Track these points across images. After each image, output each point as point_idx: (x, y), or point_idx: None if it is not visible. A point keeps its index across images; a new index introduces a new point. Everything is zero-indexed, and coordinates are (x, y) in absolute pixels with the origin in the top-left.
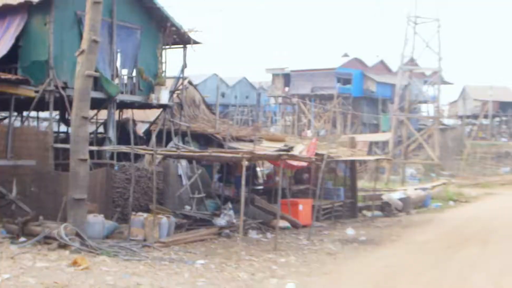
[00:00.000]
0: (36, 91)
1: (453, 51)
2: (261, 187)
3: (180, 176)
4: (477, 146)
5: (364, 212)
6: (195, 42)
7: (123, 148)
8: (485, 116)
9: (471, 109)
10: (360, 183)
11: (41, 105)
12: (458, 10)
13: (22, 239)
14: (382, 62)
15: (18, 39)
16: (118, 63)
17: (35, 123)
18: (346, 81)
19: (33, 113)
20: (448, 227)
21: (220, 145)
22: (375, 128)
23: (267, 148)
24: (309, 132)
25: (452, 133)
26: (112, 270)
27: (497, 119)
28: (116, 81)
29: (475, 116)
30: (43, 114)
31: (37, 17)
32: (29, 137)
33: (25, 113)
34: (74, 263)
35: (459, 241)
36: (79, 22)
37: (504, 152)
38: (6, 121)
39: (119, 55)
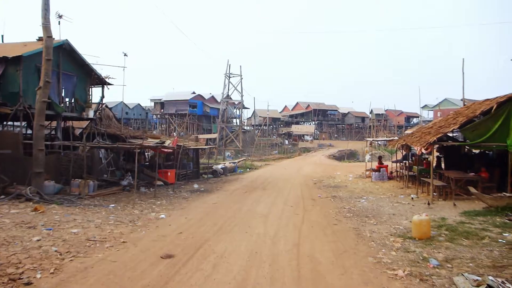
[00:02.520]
0: (12, 110)
1: (249, 91)
2: (147, 163)
3: (101, 158)
4: (261, 140)
5: (203, 175)
6: (109, 84)
7: (66, 143)
8: (265, 125)
9: (258, 121)
10: (201, 160)
11: (15, 118)
12: (254, 67)
13: (2, 196)
14: (213, 97)
15: (0, 79)
16: (63, 94)
17: (11, 128)
18: (194, 106)
19: (10, 123)
20: (246, 182)
21: (124, 141)
22: (210, 132)
23: (150, 142)
24: (175, 134)
25: (249, 134)
26: (59, 212)
27: (271, 127)
28: (62, 105)
29: (260, 125)
30: (16, 123)
31: (12, 66)
32: (7, 136)
33: (5, 123)
34: (35, 209)
35: (251, 189)
36: (38, 70)
37: (274, 143)
38: None
39: (63, 90)
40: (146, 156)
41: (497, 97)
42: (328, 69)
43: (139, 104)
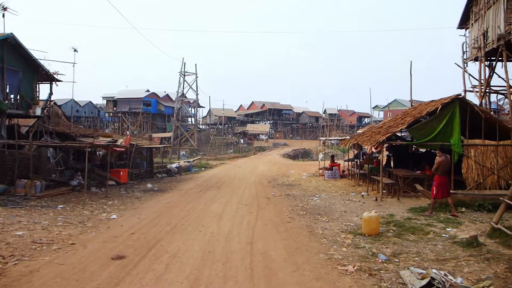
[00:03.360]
0: None
1: (204, 90)
2: (99, 162)
3: (49, 157)
4: (216, 139)
5: (157, 175)
6: (58, 80)
7: (11, 141)
8: (220, 124)
9: (214, 120)
10: (156, 159)
11: None
12: (210, 66)
13: None
14: (168, 95)
15: None
16: (7, 91)
17: None
18: (148, 105)
19: None
20: (200, 181)
21: (74, 139)
22: (164, 130)
23: (102, 141)
24: (128, 132)
25: (204, 133)
26: (2, 214)
27: (226, 126)
28: (6, 101)
29: (215, 124)
30: None
31: None
32: None
33: None
34: None
35: (206, 188)
36: None
37: (230, 142)
38: None
39: (7, 86)
40: (98, 155)
41: (441, 99)
42: (283, 69)
43: (90, 101)
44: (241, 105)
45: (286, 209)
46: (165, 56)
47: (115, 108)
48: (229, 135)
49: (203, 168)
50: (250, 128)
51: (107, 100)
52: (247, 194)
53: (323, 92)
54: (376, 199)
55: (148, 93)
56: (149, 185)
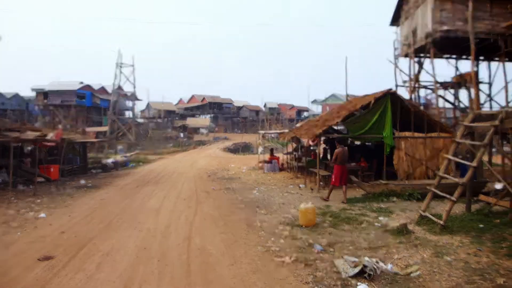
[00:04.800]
0: None
1: (143, 82)
2: (29, 159)
3: None
4: (155, 133)
5: (92, 170)
6: None
7: None
8: (160, 118)
9: (152, 114)
10: (91, 154)
11: None
12: (148, 58)
13: None
14: (103, 87)
15: None
16: None
17: None
18: (82, 97)
19: None
20: (138, 176)
21: None
22: (100, 124)
23: (30, 135)
24: (60, 126)
25: (142, 127)
26: None
27: (166, 119)
28: None
29: (154, 118)
30: None
31: None
32: None
33: None
34: None
35: (143, 183)
36: None
37: (169, 136)
38: None
39: None
40: (27, 151)
41: (375, 93)
42: (224, 63)
43: (17, 94)
44: (181, 99)
45: (226, 203)
46: (100, 47)
47: (45, 101)
48: (169, 129)
49: (141, 163)
50: (191, 122)
51: (37, 92)
52: (186, 189)
53: (263, 87)
54: (312, 189)
55: (82, 85)
56: (82, 181)
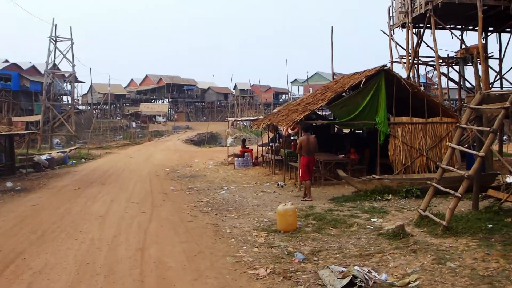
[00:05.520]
0: None
1: (84, 60)
2: None
3: None
4: (101, 123)
5: (21, 170)
6: None
7: None
8: (105, 103)
9: (96, 98)
10: (19, 150)
11: None
12: (91, 31)
13: None
14: (34, 67)
15: None
16: None
17: None
18: (7, 79)
19: None
20: (79, 176)
21: None
22: (31, 113)
23: None
24: None
25: (85, 115)
26: None
27: (114, 106)
28: None
29: (99, 103)
30: None
31: None
32: None
33: None
34: None
35: (86, 184)
36: None
37: (118, 126)
38: None
39: None
40: None
41: (366, 71)
42: (183, 39)
43: None
44: (132, 80)
45: (188, 205)
46: (30, 16)
47: None
48: (118, 118)
49: (83, 160)
50: (144, 108)
51: None
52: (139, 190)
53: (233, 65)
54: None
55: (7, 64)
56: (8, 184)
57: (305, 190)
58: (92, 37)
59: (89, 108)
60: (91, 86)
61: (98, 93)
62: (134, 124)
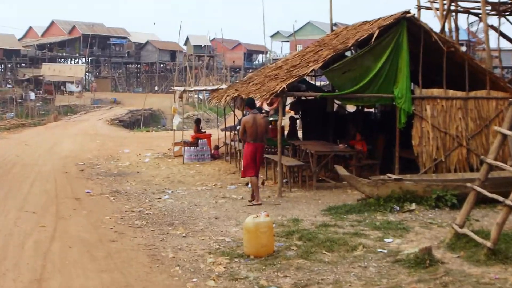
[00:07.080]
0: None
1: None
2: None
3: None
4: None
5: None
6: None
7: None
8: None
9: None
10: None
11: None
12: None
13: None
14: None
15: None
16: None
17: None
18: None
19: None
20: None
21: None
22: None
23: None
24: None
25: None
26: None
27: (1, 66)
28: None
29: None
30: None
31: None
32: None
33: None
34: None
35: None
36: None
37: (8, 98)
38: None
39: None
40: None
41: (379, 19)
42: None
43: None
44: (30, 28)
45: (112, 217)
46: None
47: None
48: (9, 85)
49: None
50: (49, 70)
51: None
52: (37, 193)
53: (186, 10)
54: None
55: None
56: None
57: (252, 191)
58: None
59: None
60: None
61: None
62: (33, 96)
